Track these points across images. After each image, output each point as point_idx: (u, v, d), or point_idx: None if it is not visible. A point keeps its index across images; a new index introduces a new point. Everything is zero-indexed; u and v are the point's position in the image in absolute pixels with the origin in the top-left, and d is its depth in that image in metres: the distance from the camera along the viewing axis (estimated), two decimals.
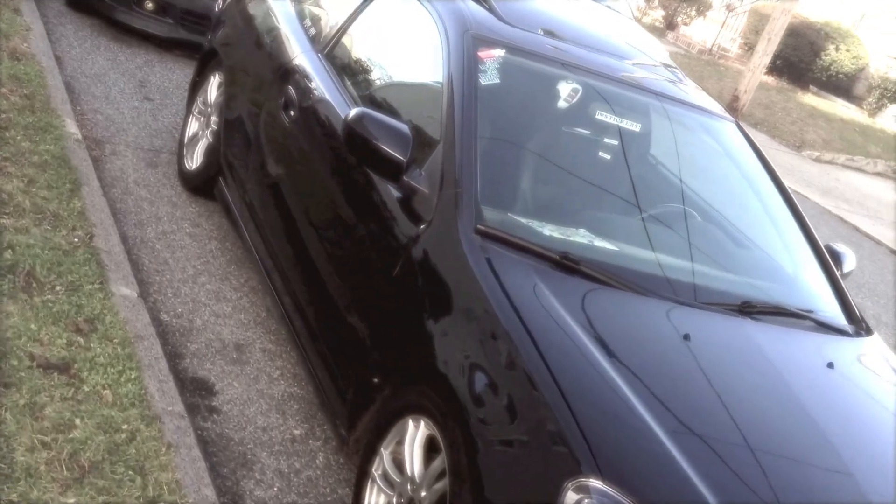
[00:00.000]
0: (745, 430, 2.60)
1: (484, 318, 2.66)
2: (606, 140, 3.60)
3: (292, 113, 3.83)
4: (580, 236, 3.11)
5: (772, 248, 3.72)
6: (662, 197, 3.61)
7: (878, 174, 16.06)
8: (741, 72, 17.87)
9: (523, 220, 3.06)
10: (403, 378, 2.83)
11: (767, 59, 15.21)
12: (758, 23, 20.39)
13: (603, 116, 3.58)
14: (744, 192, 3.87)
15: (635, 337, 2.79)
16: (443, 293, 2.82)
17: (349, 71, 3.85)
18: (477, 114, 3.17)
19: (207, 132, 4.80)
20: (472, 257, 2.79)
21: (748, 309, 3.07)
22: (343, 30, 4.03)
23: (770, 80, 19.68)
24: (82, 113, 5.30)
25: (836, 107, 20.06)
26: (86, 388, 2.96)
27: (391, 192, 3.13)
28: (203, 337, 3.74)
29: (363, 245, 3.24)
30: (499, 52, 3.45)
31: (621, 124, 3.61)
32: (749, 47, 20.78)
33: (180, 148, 5.04)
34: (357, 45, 4.01)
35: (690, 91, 4.02)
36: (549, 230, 3.06)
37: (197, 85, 5.10)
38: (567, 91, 3.56)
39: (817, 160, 15.19)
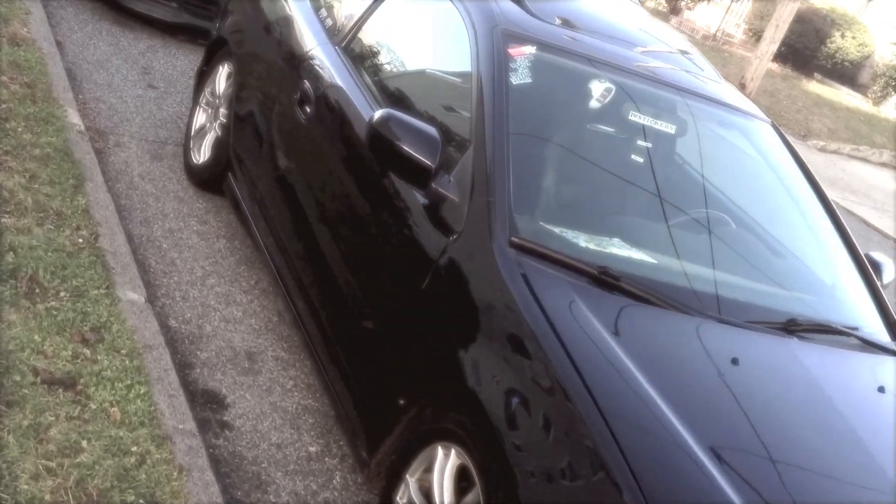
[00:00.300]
0: (795, 460, 2.45)
1: (521, 339, 2.49)
2: (641, 143, 3.42)
3: (308, 109, 3.64)
4: (617, 247, 2.94)
5: (811, 258, 3.56)
6: (699, 204, 3.43)
7: (883, 164, 15.89)
8: (746, 58, 17.68)
9: (558, 231, 2.89)
10: (432, 401, 2.66)
11: (775, 47, 14.99)
12: (763, 8, 20.16)
13: (638, 118, 3.40)
14: (781, 197, 3.70)
15: (679, 360, 2.62)
16: (476, 311, 2.64)
17: (369, 66, 3.66)
18: (508, 116, 2.99)
19: (216, 125, 4.61)
20: (507, 273, 2.61)
21: (793, 327, 2.90)
22: (362, 21, 3.83)
23: (774, 66, 19.46)
24: (85, 102, 5.10)
25: (841, 95, 19.88)
26: (93, 406, 2.79)
27: (417, 199, 2.96)
28: (213, 344, 3.57)
29: (386, 253, 3.06)
30: (530, 50, 3.26)
31: (657, 126, 3.43)
32: (754, 33, 20.55)
33: (187, 140, 4.85)
34: (376, 39, 3.81)
35: (728, 91, 3.84)
36: (584, 241, 2.89)
37: (204, 75, 4.90)
38: (600, 90, 3.38)
39: (823, 150, 15.01)
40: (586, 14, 3.88)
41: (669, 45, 3.98)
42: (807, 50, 20.06)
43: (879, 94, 20.02)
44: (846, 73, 21.00)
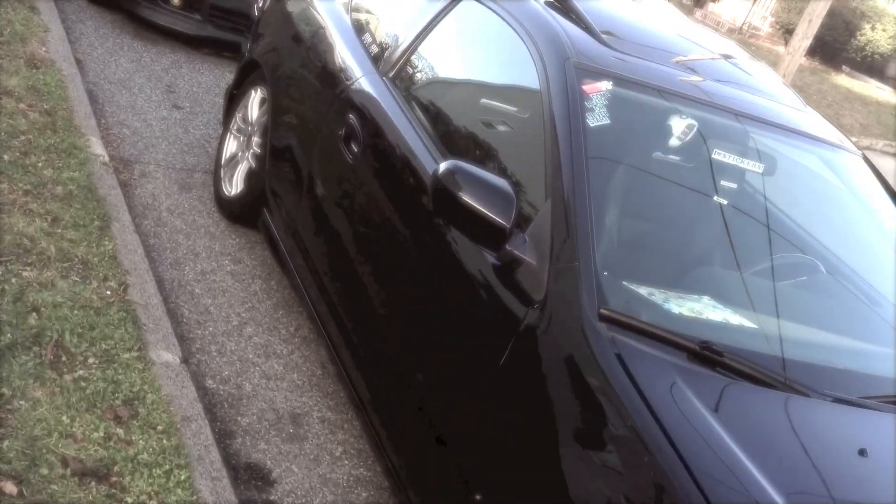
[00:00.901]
0: None
1: (622, 435, 2.17)
2: (728, 185, 3.09)
3: (355, 148, 3.32)
4: (712, 309, 2.61)
5: None
6: (794, 254, 3.10)
7: None
8: (774, 52, 17.26)
9: (646, 293, 2.56)
10: (515, 500, 2.34)
11: (808, 42, 14.53)
12: (790, 1, 19.69)
13: (723, 157, 3.06)
14: (879, 243, 3.35)
15: (802, 455, 2.29)
16: (567, 398, 2.32)
17: (421, 102, 3.32)
18: (589, 167, 2.66)
19: (248, 154, 4.30)
20: (601, 354, 2.28)
21: None
22: (411, 51, 3.49)
23: (803, 60, 19.01)
24: (107, 127, 4.79)
25: (871, 88, 19.45)
26: (129, 501, 2.48)
27: (488, 260, 2.63)
28: (255, 407, 3.27)
29: (451, 318, 2.74)
30: (606, 86, 2.92)
31: (744, 166, 3.10)
32: (781, 26, 20.10)
33: (217, 169, 4.53)
34: (428, 71, 3.48)
35: (814, 121, 3.49)
36: (676, 305, 2.56)
37: (235, 99, 4.59)
38: (681, 128, 3.04)
39: (856, 146, 14.60)
40: (657, 37, 3.54)
41: (746, 69, 3.64)
42: (836, 43, 19.62)
43: None
44: (875, 66, 20.56)
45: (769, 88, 3.53)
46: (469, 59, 3.47)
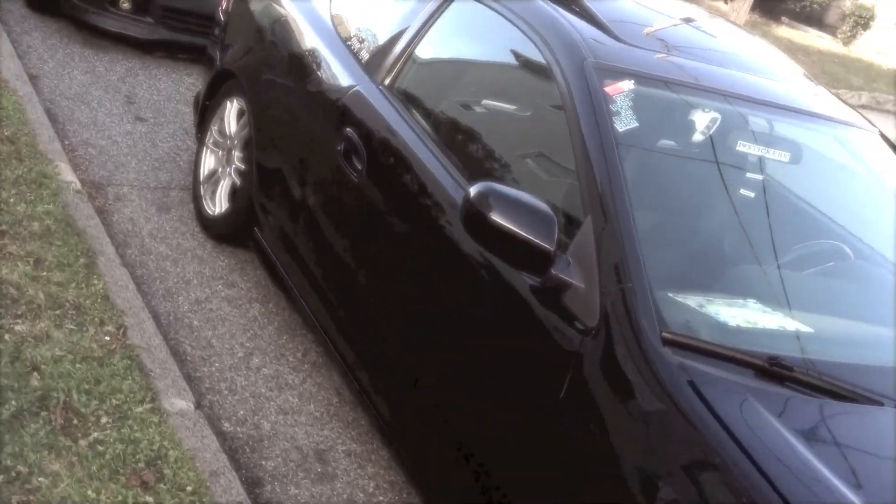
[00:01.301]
0: None
1: (703, 463, 2.04)
2: (756, 178, 2.97)
3: (359, 165, 3.12)
4: (767, 317, 2.49)
5: None
6: (828, 243, 2.99)
7: (863, 107, 15.65)
8: (714, 8, 17.22)
9: (700, 309, 2.43)
10: None
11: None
12: None
13: (750, 149, 2.94)
14: None
15: (884, 472, 2.19)
16: (642, 432, 2.18)
17: (425, 112, 3.13)
18: (625, 176, 2.51)
19: (230, 170, 4.07)
20: (670, 381, 2.14)
21: None
22: (406, 56, 3.29)
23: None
24: (73, 148, 4.53)
25: (812, 38, 19.58)
26: None
27: (526, 284, 2.47)
28: (277, 447, 3.08)
29: (492, 346, 2.57)
30: (628, 85, 2.77)
31: (772, 157, 2.98)
32: None
33: (196, 187, 4.30)
34: (429, 79, 3.28)
35: (829, 102, 3.38)
36: (731, 318, 2.43)
37: (208, 109, 4.34)
38: (705, 122, 2.91)
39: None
40: (668, 30, 3.39)
41: (759, 53, 3.52)
42: None
43: (849, 33, 19.79)
44: (814, 15, 20.70)
45: (790, 73, 3.41)
46: (473, 65, 3.29)
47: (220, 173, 4.17)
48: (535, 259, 2.37)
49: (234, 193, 4.02)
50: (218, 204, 4.12)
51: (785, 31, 19.40)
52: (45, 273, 3.29)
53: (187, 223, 4.25)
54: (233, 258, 4.09)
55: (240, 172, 3.97)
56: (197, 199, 4.26)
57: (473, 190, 2.42)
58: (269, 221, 3.72)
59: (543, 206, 2.39)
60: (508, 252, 2.41)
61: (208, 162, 4.27)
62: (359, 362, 3.10)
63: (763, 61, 3.45)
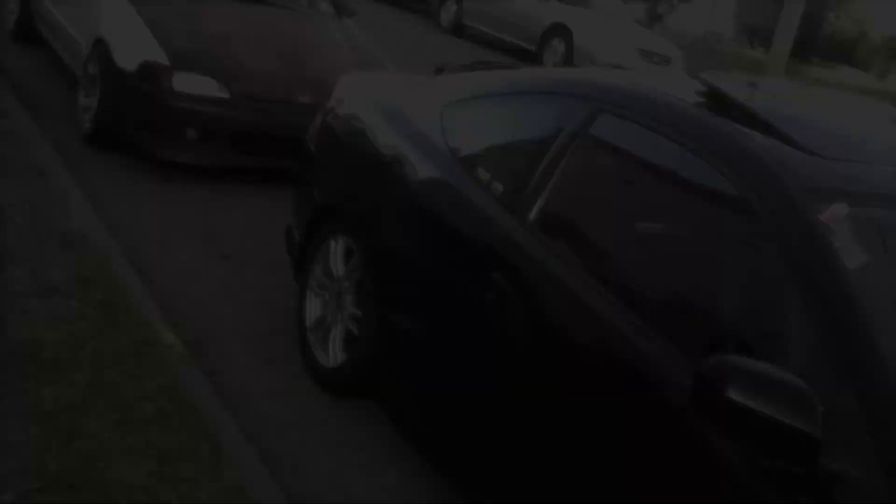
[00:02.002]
0: None
1: None
2: None
3: (522, 329, 2.74)
4: None
5: None
6: None
7: None
8: (746, 57, 17.02)
9: None
10: None
11: (789, 46, 14.32)
12: (751, 2, 19.56)
13: None
14: None
15: None
16: None
17: (591, 256, 2.77)
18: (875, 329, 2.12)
19: (342, 316, 3.72)
20: None
21: None
22: (550, 190, 2.92)
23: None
24: (165, 303, 4.19)
25: (845, 75, 19.35)
26: None
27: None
28: None
29: None
30: (842, 210, 2.40)
31: None
32: (746, 27, 19.97)
33: (303, 335, 3.94)
34: (585, 216, 2.92)
35: None
36: None
37: (307, 252, 4.00)
38: None
39: None
40: (851, 132, 3.03)
41: None
42: (805, 35, 19.52)
43: (883, 68, 19.61)
44: (842, 53, 20.53)
45: None
46: (636, 197, 2.89)
47: (329, 320, 3.82)
48: (794, 446, 1.97)
49: (349, 343, 3.66)
50: (332, 355, 3.75)
51: (818, 70, 19.15)
52: (170, 469, 2.93)
53: (298, 378, 3.87)
54: (355, 413, 3.70)
55: (353, 318, 3.62)
56: (306, 350, 3.90)
57: (708, 364, 2.04)
58: (399, 385, 3.38)
59: (797, 380, 2.01)
60: (753, 435, 2.02)
61: (314, 307, 3.92)
62: None
63: None
